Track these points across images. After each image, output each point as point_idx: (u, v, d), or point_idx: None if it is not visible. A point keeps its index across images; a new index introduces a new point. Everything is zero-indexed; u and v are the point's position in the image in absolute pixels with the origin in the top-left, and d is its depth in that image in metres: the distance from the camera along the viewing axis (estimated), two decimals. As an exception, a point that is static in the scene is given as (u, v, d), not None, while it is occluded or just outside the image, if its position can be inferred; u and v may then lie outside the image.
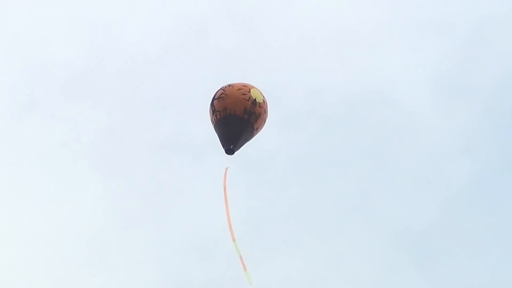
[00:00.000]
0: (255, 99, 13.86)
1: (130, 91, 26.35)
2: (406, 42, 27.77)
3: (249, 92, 13.92)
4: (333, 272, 23.35)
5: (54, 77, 26.62)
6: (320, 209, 24.16)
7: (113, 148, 25.34)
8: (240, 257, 12.60)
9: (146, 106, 25.91)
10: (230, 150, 13.93)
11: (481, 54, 27.35)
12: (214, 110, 14.01)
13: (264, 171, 23.39)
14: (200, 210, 21.11)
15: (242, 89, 13.92)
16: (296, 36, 27.51)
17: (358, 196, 25.31)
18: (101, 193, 24.70)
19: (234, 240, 12.82)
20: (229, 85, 14.06)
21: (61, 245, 23.45)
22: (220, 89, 14.06)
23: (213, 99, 14.10)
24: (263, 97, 14.07)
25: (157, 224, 23.80)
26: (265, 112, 13.99)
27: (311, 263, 23.41)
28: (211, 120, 14.14)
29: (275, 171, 24.28)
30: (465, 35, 27.61)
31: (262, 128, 14.14)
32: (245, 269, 12.50)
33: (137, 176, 24.65)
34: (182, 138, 24.54)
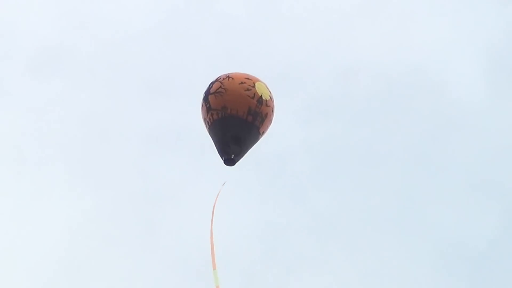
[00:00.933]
0: (261, 96, 12.96)
1: (114, 72, 25.46)
2: (456, 11, 26.88)
3: (254, 87, 12.91)
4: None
5: (20, 53, 25.45)
6: (352, 220, 22.90)
7: (92, 142, 24.29)
8: None
9: (133, 92, 25.11)
10: (230, 160, 13.07)
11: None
12: (209, 107, 12.97)
13: (283, 174, 22.31)
14: (197, 219, 18.73)
15: (245, 82, 12.90)
16: (322, 2, 26.51)
17: (399, 203, 23.73)
18: (77, 198, 23.14)
19: (214, 268, 12.55)
20: (228, 77, 13.07)
21: (26, 264, 22.13)
22: (217, 80, 13.06)
23: (208, 93, 13.09)
24: (270, 92, 13.24)
25: (144, 236, 22.42)
26: (272, 111, 13.28)
27: (340, 284, 21.77)
28: (205, 120, 13.13)
29: (296, 173, 22.92)
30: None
31: (268, 130, 13.41)
32: None
33: (121, 176, 23.29)
34: (176, 131, 23.15)
